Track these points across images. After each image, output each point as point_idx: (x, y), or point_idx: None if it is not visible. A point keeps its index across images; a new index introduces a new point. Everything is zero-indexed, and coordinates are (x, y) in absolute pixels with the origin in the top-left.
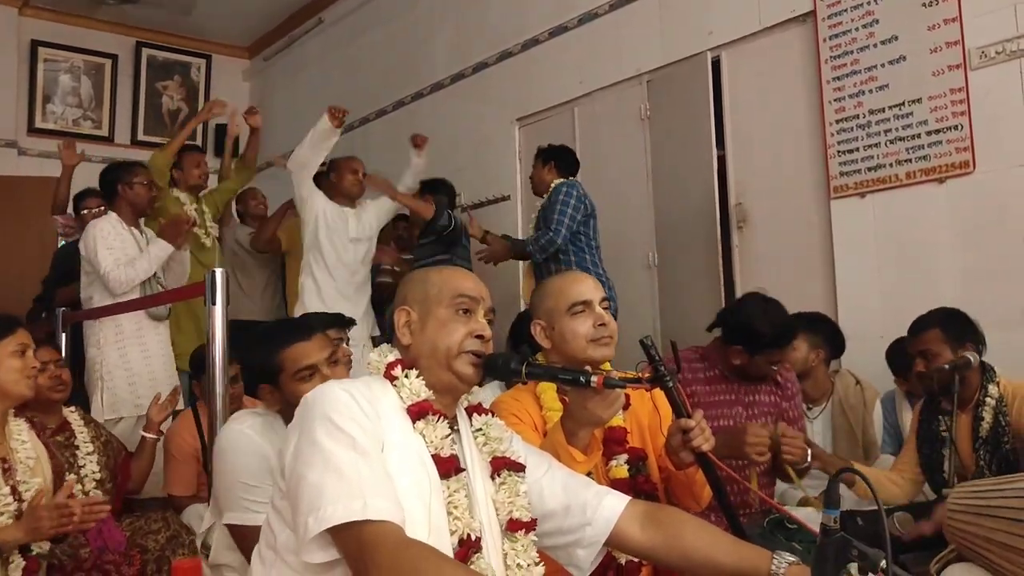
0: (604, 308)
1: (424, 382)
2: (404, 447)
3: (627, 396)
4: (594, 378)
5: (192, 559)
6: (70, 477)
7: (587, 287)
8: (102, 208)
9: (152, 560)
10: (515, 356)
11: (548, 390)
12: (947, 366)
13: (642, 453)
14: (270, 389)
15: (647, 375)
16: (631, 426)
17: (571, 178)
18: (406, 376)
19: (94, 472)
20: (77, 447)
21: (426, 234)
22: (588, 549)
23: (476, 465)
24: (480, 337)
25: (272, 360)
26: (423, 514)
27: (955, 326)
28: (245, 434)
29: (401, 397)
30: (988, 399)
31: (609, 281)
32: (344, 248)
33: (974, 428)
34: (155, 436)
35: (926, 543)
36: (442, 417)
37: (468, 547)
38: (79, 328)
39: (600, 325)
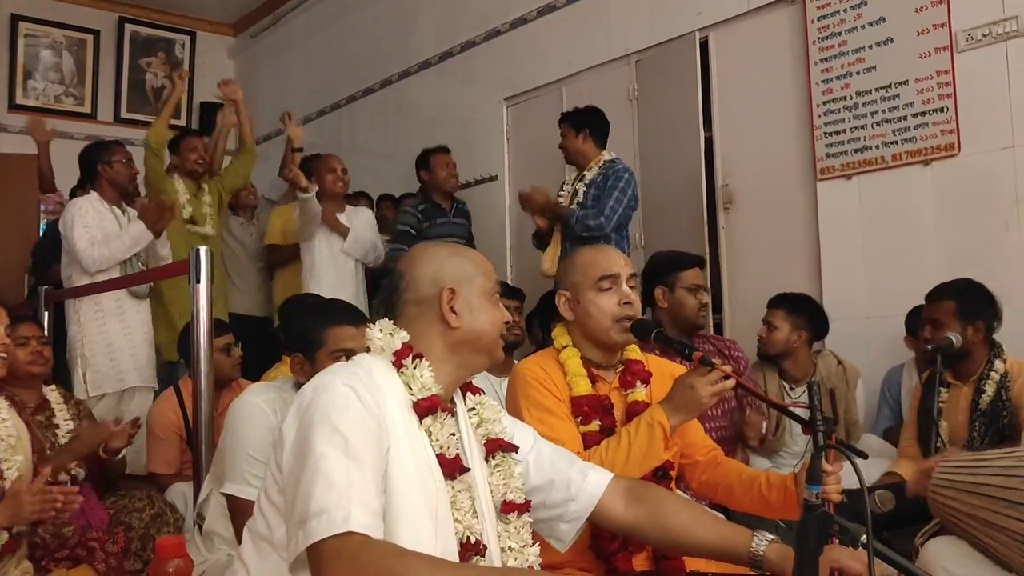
0: (631, 287)
1: (434, 374)
2: (411, 448)
3: (647, 372)
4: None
5: (176, 537)
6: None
7: (617, 261)
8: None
9: (137, 538)
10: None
11: (573, 357)
12: (928, 347)
13: None
14: (302, 360)
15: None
16: (652, 403)
17: (613, 154)
18: (415, 367)
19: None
20: (57, 426)
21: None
22: (571, 524)
23: (471, 445)
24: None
25: (317, 333)
26: (430, 517)
27: (972, 302)
28: (259, 407)
29: (411, 390)
30: (992, 373)
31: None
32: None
33: (974, 400)
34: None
35: (910, 518)
36: (448, 414)
37: (469, 549)
38: (62, 307)
39: (626, 303)
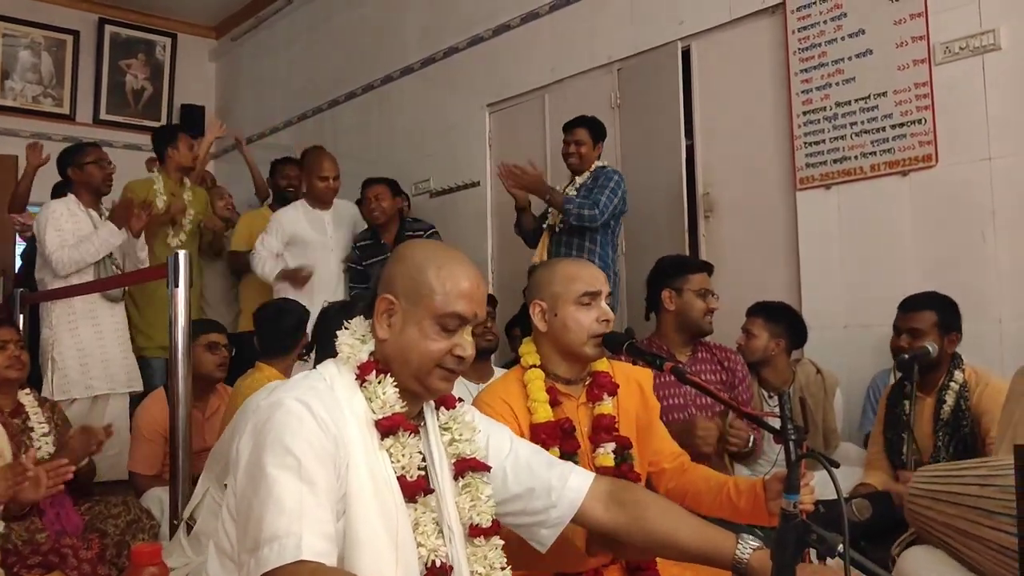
0: (607, 304)
1: (397, 391)
2: (370, 469)
3: (615, 385)
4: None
5: (152, 544)
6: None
7: (599, 278)
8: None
9: (112, 544)
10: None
11: (536, 380)
12: (906, 356)
13: (628, 442)
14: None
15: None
16: (619, 414)
17: (605, 161)
18: (379, 383)
19: (50, 455)
20: (32, 429)
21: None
22: (552, 529)
23: (442, 462)
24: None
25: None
26: (389, 540)
27: (950, 314)
28: None
29: (372, 409)
30: (952, 383)
31: (618, 279)
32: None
33: (936, 411)
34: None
35: (886, 528)
36: (411, 432)
37: (435, 573)
38: (37, 308)
39: (603, 320)
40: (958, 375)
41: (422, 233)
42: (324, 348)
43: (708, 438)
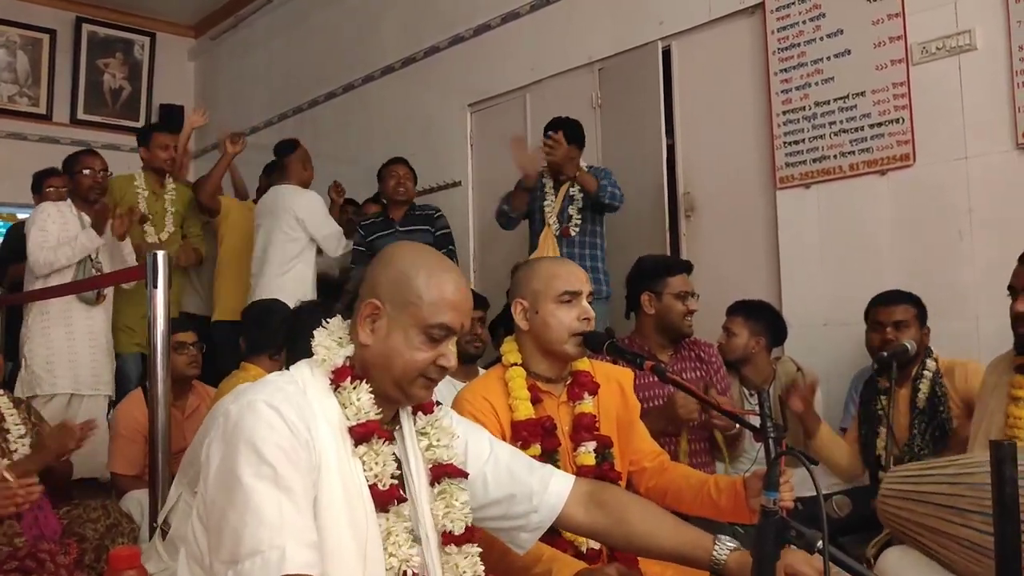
0: (588, 302)
1: (372, 398)
2: (341, 476)
3: (595, 384)
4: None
5: (130, 547)
6: (3, 462)
7: (580, 277)
8: (64, 188)
9: (91, 549)
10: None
11: (517, 377)
12: (885, 354)
13: (609, 441)
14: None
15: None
16: (599, 413)
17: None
18: (355, 389)
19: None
20: (8, 431)
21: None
22: (532, 533)
23: (418, 468)
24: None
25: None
26: (357, 550)
27: (921, 308)
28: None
29: (346, 415)
30: (925, 372)
31: (608, 278)
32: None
33: (912, 400)
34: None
35: (864, 525)
36: (386, 440)
37: None
38: (18, 309)
39: (584, 319)
40: (930, 363)
41: (432, 213)
42: (297, 348)
43: (689, 405)
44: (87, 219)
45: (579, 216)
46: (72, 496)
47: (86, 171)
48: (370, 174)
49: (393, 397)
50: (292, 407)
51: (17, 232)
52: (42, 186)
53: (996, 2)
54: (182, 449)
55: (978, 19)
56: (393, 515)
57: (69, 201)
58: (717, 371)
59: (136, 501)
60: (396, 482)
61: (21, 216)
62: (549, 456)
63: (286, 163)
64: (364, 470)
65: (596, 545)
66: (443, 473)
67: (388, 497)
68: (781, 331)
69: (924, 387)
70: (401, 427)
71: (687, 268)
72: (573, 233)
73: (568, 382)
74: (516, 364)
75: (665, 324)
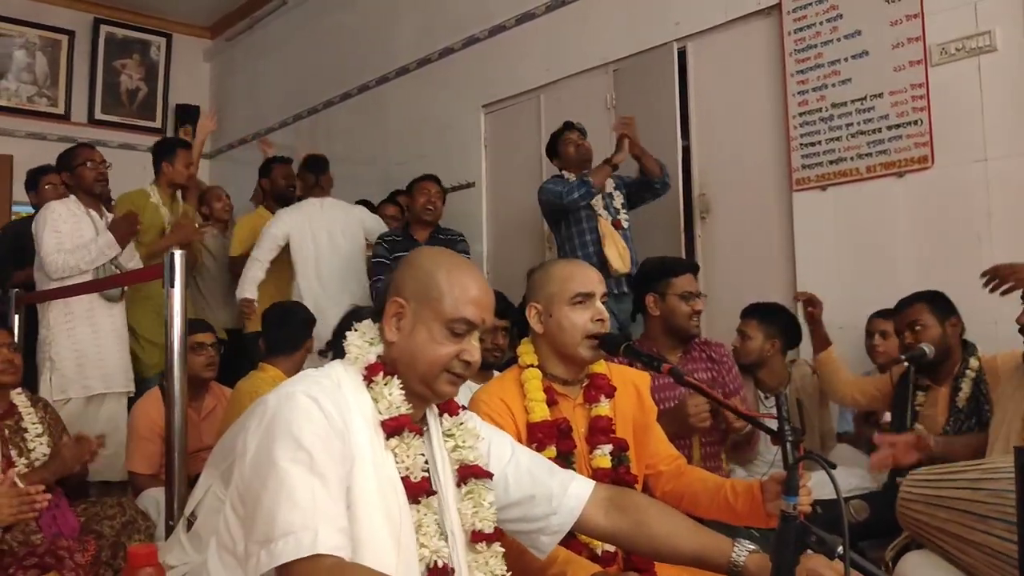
0: (603, 303)
1: (404, 393)
2: (375, 467)
3: (612, 387)
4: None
5: (147, 545)
6: (15, 467)
7: (593, 278)
8: (63, 186)
9: (107, 546)
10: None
11: (533, 379)
12: (902, 356)
13: (625, 444)
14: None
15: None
16: (615, 416)
17: None
18: (386, 384)
19: (45, 455)
20: (26, 430)
21: None
22: (552, 536)
23: (444, 468)
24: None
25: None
26: (392, 540)
27: (940, 300)
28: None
29: (378, 409)
30: (968, 371)
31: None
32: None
33: (952, 399)
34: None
35: (882, 529)
36: (416, 434)
37: (436, 574)
38: (33, 309)
39: (598, 320)
40: (973, 362)
41: (456, 238)
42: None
43: (700, 412)
44: (95, 216)
45: (624, 210)
46: (89, 494)
47: (88, 163)
48: (385, 175)
49: (420, 394)
50: (329, 399)
51: (16, 231)
52: (38, 184)
53: (1017, 3)
54: (199, 449)
55: (998, 20)
56: (424, 507)
57: (74, 198)
58: (729, 371)
59: (153, 499)
60: (426, 475)
61: (22, 212)
62: (564, 458)
63: (322, 180)
64: (396, 462)
65: (611, 548)
66: (470, 474)
67: (420, 489)
68: (796, 334)
69: (966, 387)
70: (428, 428)
71: (691, 268)
72: (625, 225)
73: (584, 385)
74: (532, 366)
75: (671, 325)
